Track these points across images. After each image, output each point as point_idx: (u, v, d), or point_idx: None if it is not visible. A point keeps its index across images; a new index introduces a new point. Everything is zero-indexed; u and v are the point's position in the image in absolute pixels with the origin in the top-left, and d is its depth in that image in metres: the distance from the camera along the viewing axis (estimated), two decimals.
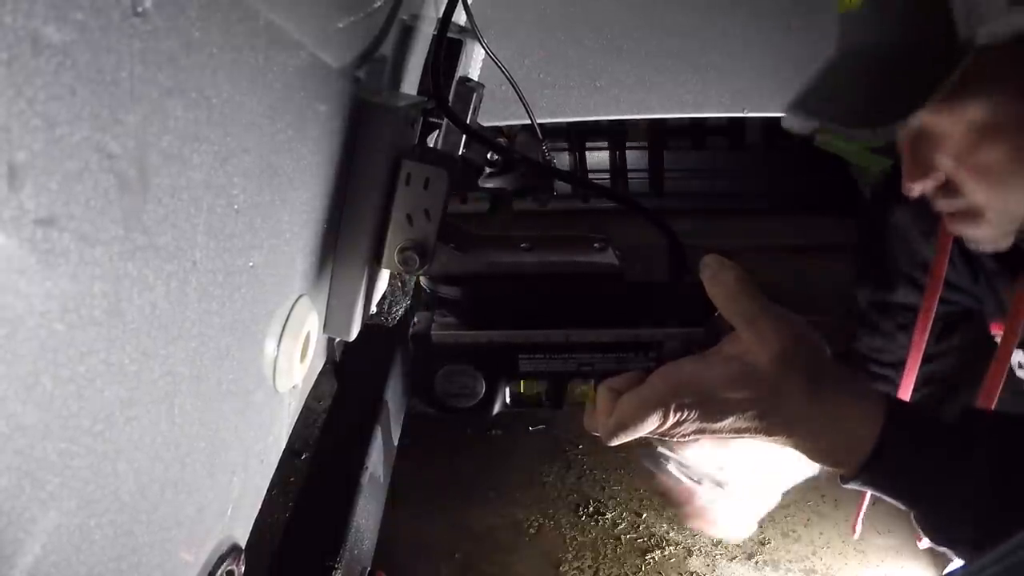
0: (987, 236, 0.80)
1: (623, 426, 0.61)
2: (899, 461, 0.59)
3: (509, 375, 0.67)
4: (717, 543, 1.75)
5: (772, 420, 0.60)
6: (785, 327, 0.59)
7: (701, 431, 0.61)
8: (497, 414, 0.69)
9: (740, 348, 0.60)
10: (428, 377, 0.68)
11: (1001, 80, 0.70)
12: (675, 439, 0.63)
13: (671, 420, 0.60)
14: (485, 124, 1.00)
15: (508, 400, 0.69)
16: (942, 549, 0.64)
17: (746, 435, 0.62)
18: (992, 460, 0.58)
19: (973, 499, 0.58)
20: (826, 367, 0.61)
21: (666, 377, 0.61)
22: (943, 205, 0.82)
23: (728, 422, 0.60)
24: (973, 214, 0.79)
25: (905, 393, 1.04)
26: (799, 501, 1.80)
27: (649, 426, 0.61)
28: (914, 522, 0.62)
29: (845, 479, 0.62)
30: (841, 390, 0.60)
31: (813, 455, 0.62)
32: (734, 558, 1.73)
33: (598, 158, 1.37)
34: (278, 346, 0.54)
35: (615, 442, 0.65)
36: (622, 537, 1.79)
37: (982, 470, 0.58)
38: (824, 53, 0.94)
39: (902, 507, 0.63)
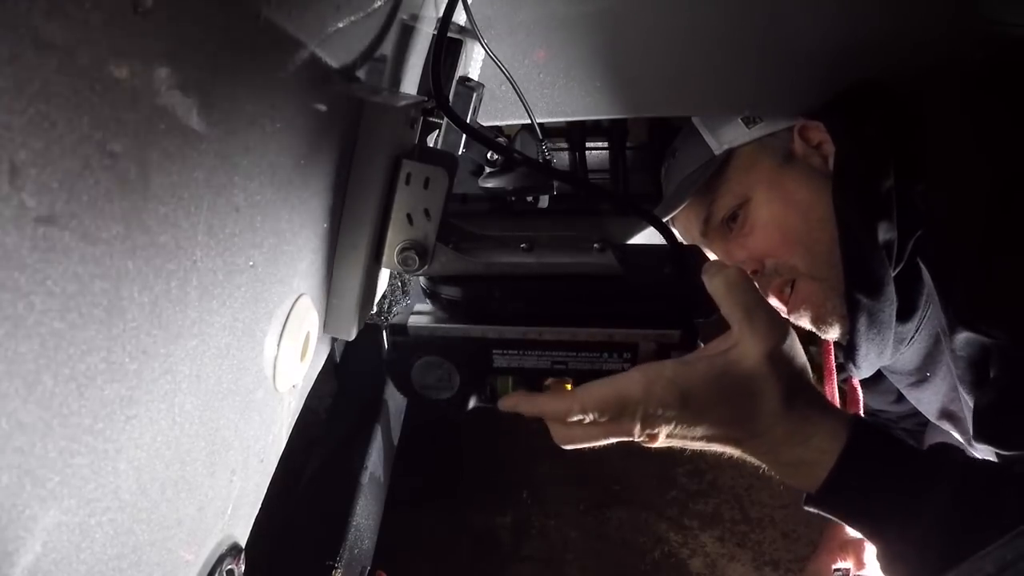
0: (817, 297, 0.95)
1: (598, 406, 0.59)
2: (861, 479, 0.59)
3: (484, 370, 0.67)
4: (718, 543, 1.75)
5: (745, 428, 0.60)
6: (780, 326, 0.59)
7: (671, 435, 0.60)
8: (472, 409, 0.69)
9: (727, 344, 0.60)
10: (404, 368, 0.68)
11: (748, 168, 1.03)
12: (643, 440, 0.62)
13: (647, 419, 0.59)
14: (485, 124, 1.00)
15: (484, 396, 0.68)
16: None
17: (715, 444, 0.61)
18: (955, 494, 0.55)
19: (933, 530, 0.55)
20: (803, 381, 0.61)
21: (647, 373, 0.60)
22: (773, 289, 1.00)
23: (701, 429, 0.60)
24: (792, 276, 0.97)
25: None
26: (799, 500, 1.80)
27: (624, 421, 0.59)
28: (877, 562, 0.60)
29: (808, 499, 0.62)
30: (812, 406, 0.60)
31: (776, 468, 0.62)
32: (734, 558, 1.73)
33: (598, 158, 1.37)
34: (278, 345, 0.54)
35: (575, 438, 0.62)
36: (622, 537, 1.79)
37: (944, 501, 0.55)
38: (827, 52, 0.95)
39: (863, 536, 0.61)
